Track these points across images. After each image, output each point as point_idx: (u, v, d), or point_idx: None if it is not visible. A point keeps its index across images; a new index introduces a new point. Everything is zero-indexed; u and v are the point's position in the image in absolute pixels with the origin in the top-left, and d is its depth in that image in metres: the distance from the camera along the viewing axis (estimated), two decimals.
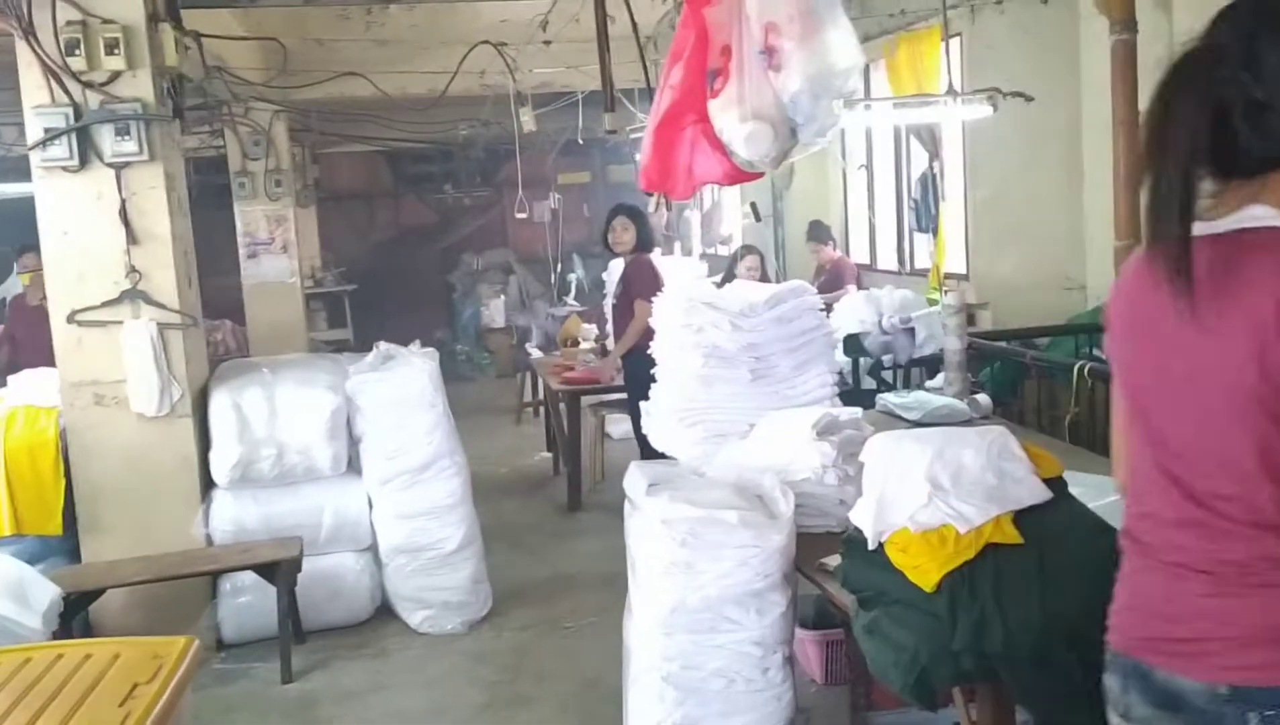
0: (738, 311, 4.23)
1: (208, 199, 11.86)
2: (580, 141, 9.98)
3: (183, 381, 4.66)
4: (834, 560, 3.04)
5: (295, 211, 14.02)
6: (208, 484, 4.78)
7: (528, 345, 9.35)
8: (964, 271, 7.70)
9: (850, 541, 2.68)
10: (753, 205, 6.86)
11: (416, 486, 4.87)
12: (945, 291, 5.29)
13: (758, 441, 3.69)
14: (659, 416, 4.34)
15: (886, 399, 4.90)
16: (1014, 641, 2.29)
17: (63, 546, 4.69)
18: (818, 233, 9.05)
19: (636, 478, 3.30)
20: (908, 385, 6.58)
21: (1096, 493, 3.14)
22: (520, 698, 4.26)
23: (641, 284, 6.72)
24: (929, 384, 5.94)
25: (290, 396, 4.79)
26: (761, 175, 3.58)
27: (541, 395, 9.33)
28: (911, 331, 6.64)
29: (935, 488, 2.53)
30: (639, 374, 6.23)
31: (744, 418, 4.14)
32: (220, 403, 4.72)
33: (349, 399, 4.88)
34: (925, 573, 2.40)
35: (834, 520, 3.40)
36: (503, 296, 12.49)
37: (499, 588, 5.22)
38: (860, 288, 8.81)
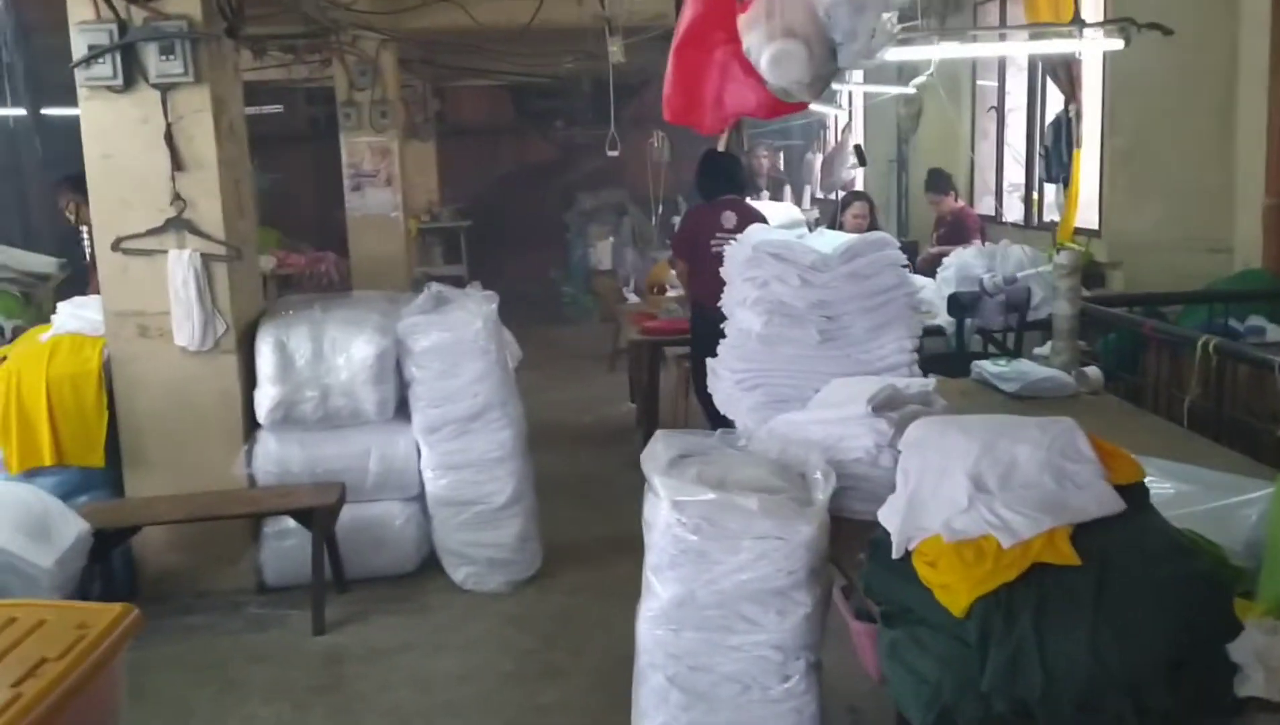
0: (808, 264, 3.80)
1: (325, 129, 11.87)
2: None
3: (227, 316, 4.47)
4: None
5: (414, 146, 14.13)
6: (252, 424, 4.60)
7: (625, 290, 8.99)
8: (1096, 227, 7.02)
9: (877, 544, 2.27)
10: (857, 148, 6.32)
11: (465, 437, 4.59)
12: (1059, 250, 4.72)
13: (812, 412, 3.28)
14: (722, 377, 3.97)
15: (983, 367, 4.42)
16: (1055, 687, 1.86)
17: (106, 479, 4.58)
18: (937, 182, 8.43)
19: (659, 450, 2.92)
20: (1019, 352, 6.01)
21: (1209, 492, 2.64)
22: (551, 669, 3.98)
23: (675, 237, 6.31)
24: (1037, 352, 5.38)
25: (337, 337, 4.56)
26: (803, 106, 3.11)
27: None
28: (1028, 292, 6.04)
29: (978, 488, 2.09)
30: (698, 330, 5.91)
31: (809, 383, 3.75)
32: (265, 341, 4.52)
33: (400, 342, 4.63)
34: (954, 594, 1.98)
35: None
36: (611, 238, 12.13)
37: (554, 544, 4.94)
38: (985, 241, 8.20)
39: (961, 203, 8.60)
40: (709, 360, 4.05)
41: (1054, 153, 7.21)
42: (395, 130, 10.09)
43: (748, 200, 6.23)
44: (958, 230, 8.22)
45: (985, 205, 8.80)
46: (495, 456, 4.62)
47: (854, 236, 3.96)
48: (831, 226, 7.25)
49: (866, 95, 11.09)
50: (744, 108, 2.89)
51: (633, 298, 8.97)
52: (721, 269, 5.61)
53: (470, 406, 4.59)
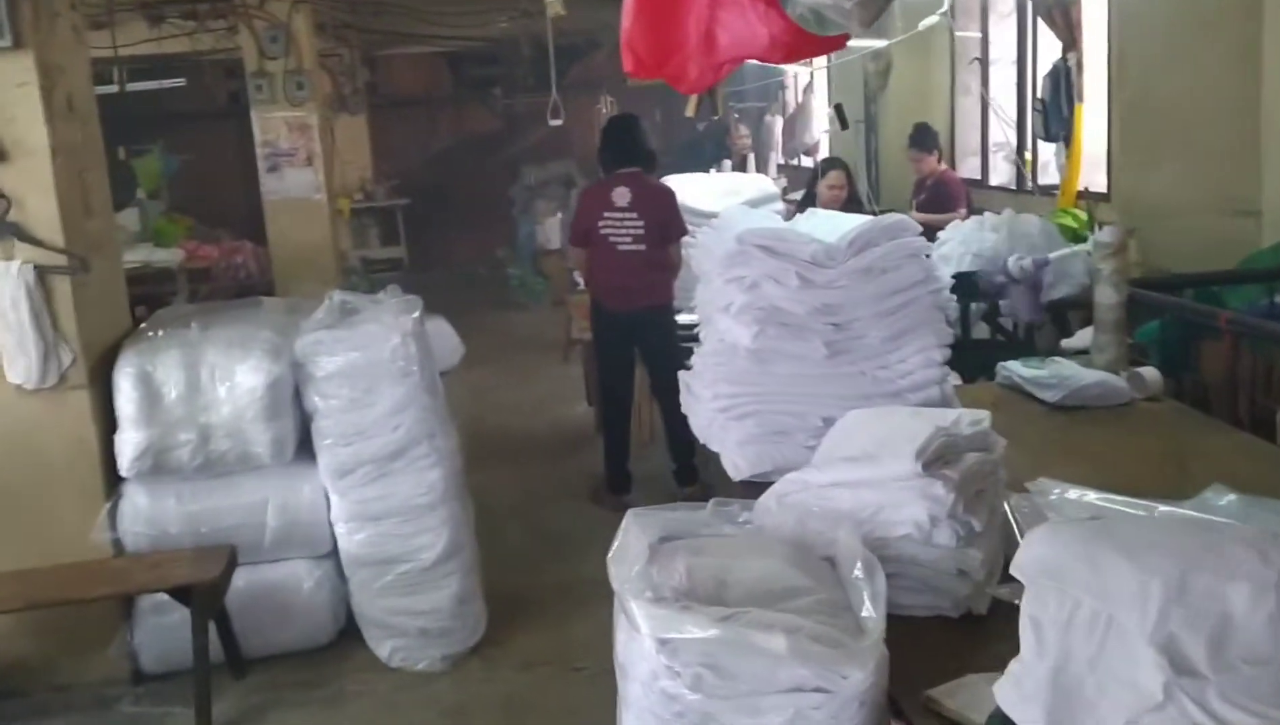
0: (808, 258, 2.99)
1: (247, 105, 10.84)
2: None
3: (74, 343, 3.55)
4: (952, 694, 1.83)
5: (344, 120, 13.08)
6: (115, 477, 3.68)
7: (576, 274, 8.11)
8: (1104, 190, 6.24)
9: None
10: (838, 107, 5.46)
11: (384, 479, 3.71)
12: (1098, 226, 3.91)
13: (834, 469, 2.43)
14: (701, 400, 3.16)
15: (1013, 370, 3.64)
16: None
17: None
18: (923, 139, 7.58)
19: (631, 544, 2.06)
20: (1031, 338, 5.22)
21: None
22: None
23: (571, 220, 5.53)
24: (1067, 343, 4.59)
25: (218, 363, 3.65)
26: (840, 43, 2.26)
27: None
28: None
29: (1177, 668, 1.26)
30: (598, 333, 4.92)
31: (815, 410, 2.99)
32: (125, 372, 3.59)
33: (299, 366, 3.73)
34: None
35: (948, 601, 2.20)
36: (560, 214, 11.22)
37: (500, 597, 4.09)
38: (970, 208, 7.42)
39: (944, 165, 7.79)
40: (682, 374, 3.25)
41: (1052, 108, 6.41)
42: (315, 103, 9.08)
43: (652, 174, 5.27)
44: (939, 196, 7.43)
45: (968, 168, 8.01)
46: (423, 502, 3.75)
47: (864, 221, 3.13)
48: (807, 200, 6.41)
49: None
50: (749, 48, 2.02)
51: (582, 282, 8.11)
52: (619, 257, 4.73)
53: (390, 442, 3.71)
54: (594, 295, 4.91)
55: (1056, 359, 3.80)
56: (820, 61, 10.62)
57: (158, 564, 3.51)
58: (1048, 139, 6.45)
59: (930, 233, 6.59)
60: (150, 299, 6.64)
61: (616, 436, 5.03)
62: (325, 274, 8.16)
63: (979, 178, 7.75)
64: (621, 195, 4.76)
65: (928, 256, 3.11)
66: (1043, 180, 7.06)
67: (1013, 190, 7.21)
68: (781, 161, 10.32)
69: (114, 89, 7.75)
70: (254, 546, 3.71)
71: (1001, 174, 7.63)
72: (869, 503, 2.24)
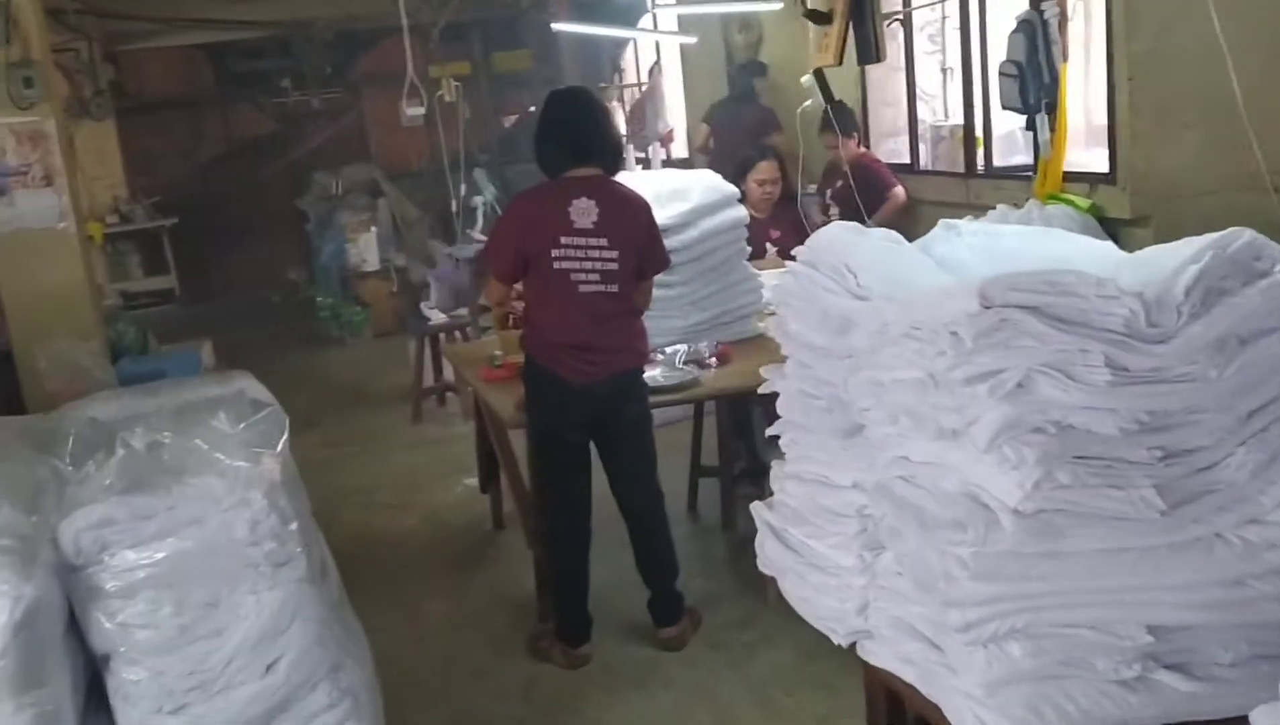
0: (1120, 327, 1.55)
1: None
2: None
3: None
4: None
5: (88, 127, 10.76)
6: None
7: (424, 306, 6.41)
8: (1106, 170, 5.07)
9: None
10: (818, 74, 4.05)
11: None
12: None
13: None
14: (849, 590, 1.66)
15: None
16: None
17: None
18: (841, 120, 6.27)
19: None
20: None
21: None
22: None
23: (487, 241, 4.00)
24: None
25: None
26: None
27: (450, 375, 6.47)
28: None
29: None
30: (538, 401, 3.29)
31: (1138, 613, 1.80)
32: None
33: (72, 572, 1.98)
34: None
35: None
36: (374, 228, 9.39)
37: None
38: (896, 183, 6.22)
39: (863, 149, 6.53)
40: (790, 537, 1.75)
41: (1029, 70, 5.18)
42: (52, 105, 6.99)
43: (622, 177, 3.64)
44: (868, 185, 6.16)
45: (886, 151, 6.77)
46: None
47: (1205, 252, 1.67)
48: None
49: (682, 20, 8.85)
50: None
51: (436, 316, 6.40)
52: (581, 301, 3.09)
53: (259, 696, 2.02)
54: (538, 358, 3.27)
55: None
56: (666, 38, 9.22)
57: None
58: (1025, 109, 5.21)
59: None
60: None
61: (573, 565, 3.41)
62: (82, 323, 6.10)
63: (908, 162, 6.51)
64: (584, 211, 3.15)
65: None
66: (999, 161, 5.88)
67: (961, 175, 5.99)
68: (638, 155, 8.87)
69: None
70: None
71: (941, 156, 6.41)
72: None
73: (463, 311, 6.60)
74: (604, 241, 3.18)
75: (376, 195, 10.66)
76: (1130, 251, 2.02)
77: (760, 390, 2.29)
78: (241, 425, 2.14)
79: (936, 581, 1.62)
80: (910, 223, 4.78)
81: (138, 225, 11.49)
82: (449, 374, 6.51)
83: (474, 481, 5.07)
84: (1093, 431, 1.55)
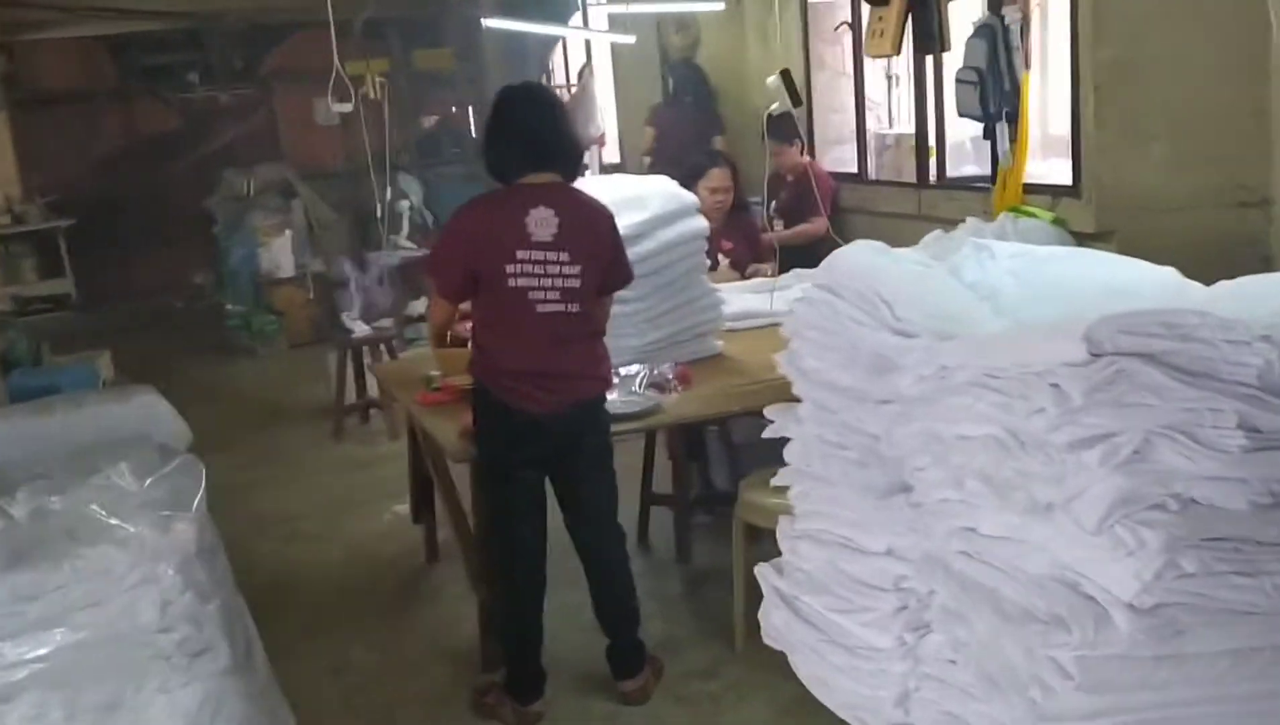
0: (1253, 380, 1.21)
1: None
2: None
3: None
4: None
5: None
6: None
7: (345, 317, 5.99)
8: (1069, 182, 4.88)
9: None
10: (784, 74, 3.77)
11: None
12: None
13: None
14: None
15: None
16: None
17: None
18: (781, 128, 6.05)
19: None
20: None
21: None
22: None
23: (431, 253, 3.55)
24: None
25: None
26: None
27: (374, 391, 6.06)
28: None
29: None
30: (491, 436, 2.95)
31: None
32: None
33: None
34: None
35: None
36: (288, 231, 8.89)
37: None
38: (835, 211, 6.00)
39: (808, 158, 6.29)
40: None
41: (990, 77, 4.98)
42: None
43: (584, 183, 3.32)
44: (804, 198, 5.94)
45: (835, 160, 6.55)
46: None
47: None
48: None
49: (613, 19, 8.54)
50: None
51: (360, 329, 5.98)
52: (540, 322, 2.76)
53: None
54: (489, 387, 2.91)
55: None
56: (601, 36, 8.89)
57: None
58: (984, 118, 5.00)
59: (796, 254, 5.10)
60: None
61: (526, 614, 3.06)
62: None
63: (855, 172, 6.29)
64: (543, 222, 2.80)
65: None
66: (952, 171, 5.69)
67: (914, 185, 5.78)
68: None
69: None
70: None
71: (887, 166, 6.20)
72: None
73: (387, 322, 6.19)
74: (565, 256, 2.85)
75: (290, 196, 10.14)
76: None
77: (766, 434, 1.98)
78: (148, 481, 1.76)
79: (1025, 687, 1.32)
80: (863, 235, 4.53)
81: (31, 226, 10.84)
82: (373, 389, 6.11)
83: (404, 508, 4.70)
84: (1219, 507, 1.27)
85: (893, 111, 6.66)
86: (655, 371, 3.48)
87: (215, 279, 10.76)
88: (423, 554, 4.36)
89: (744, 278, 4.94)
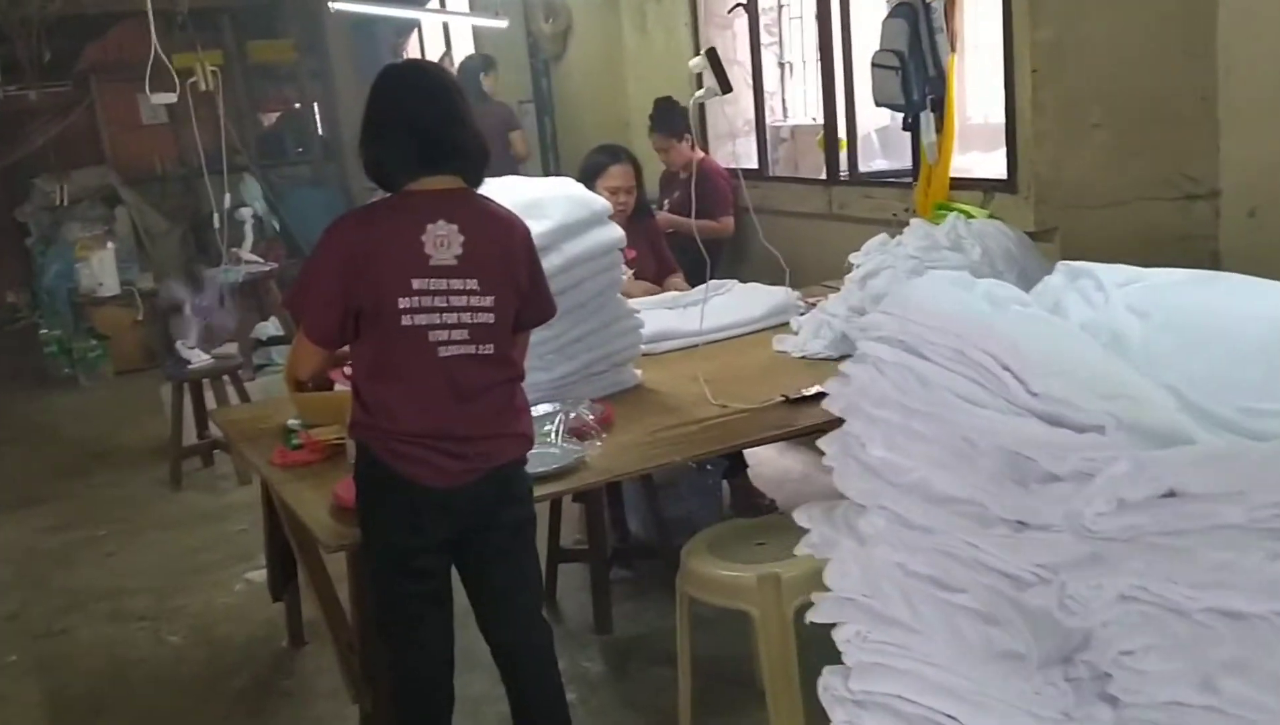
0: None
1: None
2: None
3: None
4: None
5: None
6: None
7: (181, 345, 5.14)
8: (1003, 175, 4.44)
9: None
10: (710, 53, 3.20)
11: None
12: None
13: None
14: None
15: None
16: None
17: None
18: (668, 120, 5.55)
19: None
20: None
21: None
22: None
23: (296, 281, 2.74)
24: None
25: None
26: None
27: (220, 429, 5.22)
28: None
29: None
30: (375, 510, 2.27)
31: None
32: None
33: None
34: None
35: None
36: (111, 244, 7.87)
37: None
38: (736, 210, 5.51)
39: (699, 153, 5.74)
40: None
41: (912, 62, 4.50)
42: None
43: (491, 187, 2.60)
44: (704, 195, 5.37)
45: (728, 156, 6.01)
46: None
47: None
48: None
49: (474, 2, 7.84)
50: None
51: (198, 359, 5.15)
52: (442, 368, 2.10)
53: None
54: (379, 456, 2.21)
55: None
56: (462, 20, 8.18)
57: None
58: (906, 106, 4.52)
59: (704, 249, 4.62)
60: None
61: None
62: None
63: (756, 167, 5.76)
64: (444, 240, 2.12)
65: None
66: (865, 166, 5.22)
67: (823, 182, 5.27)
68: None
69: None
70: None
71: (784, 161, 5.69)
72: None
73: (231, 349, 5.37)
74: (473, 283, 2.19)
75: (114, 204, 9.10)
76: None
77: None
78: None
79: None
80: (766, 237, 4.01)
81: None
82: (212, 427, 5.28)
83: (259, 575, 3.96)
84: None
85: (786, 102, 6.18)
86: (573, 414, 2.85)
87: (29, 298, 9.63)
88: (285, 637, 3.62)
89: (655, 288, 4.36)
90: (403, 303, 2.15)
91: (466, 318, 2.20)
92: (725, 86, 3.24)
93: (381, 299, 2.15)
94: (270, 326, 5.93)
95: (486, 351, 2.24)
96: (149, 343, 7.23)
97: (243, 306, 5.60)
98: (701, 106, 6.11)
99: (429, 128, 2.23)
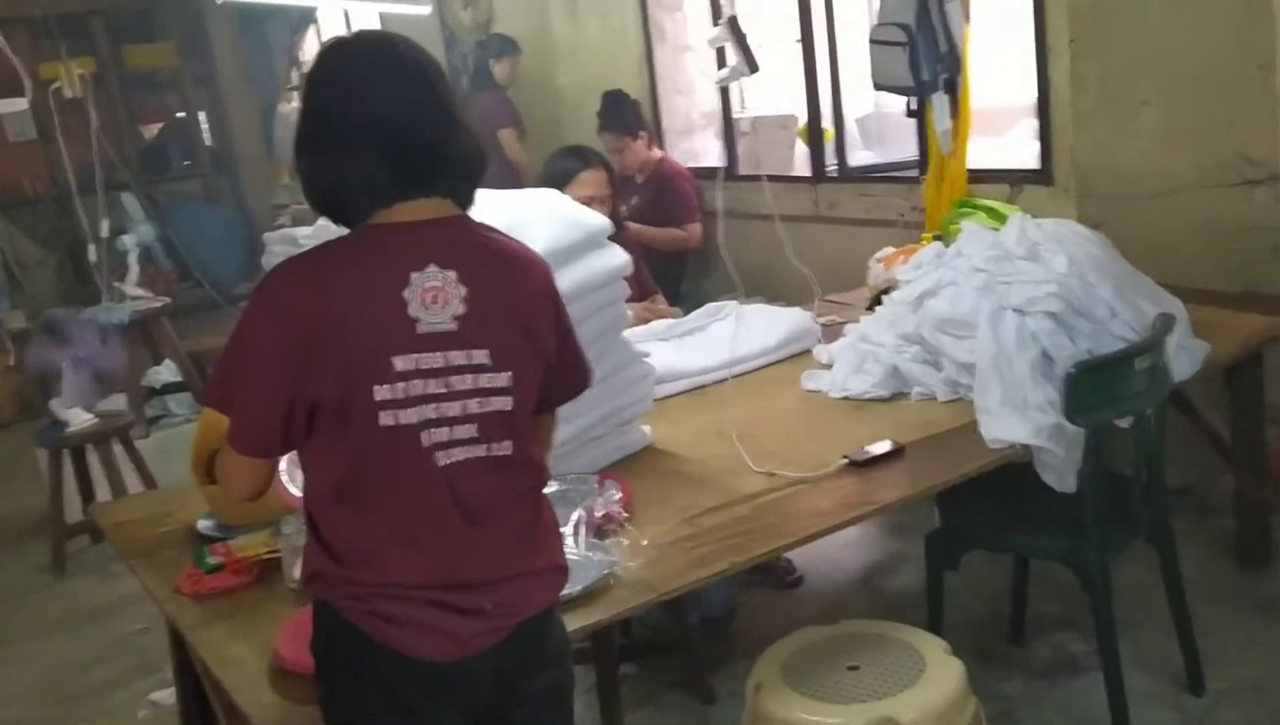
0: None
1: None
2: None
3: None
4: None
5: None
6: None
7: (56, 405, 4.26)
8: (1035, 165, 3.84)
9: None
10: (731, 21, 2.56)
11: None
12: None
13: None
14: None
15: None
16: None
17: None
18: (620, 118, 4.89)
19: None
20: None
21: None
22: None
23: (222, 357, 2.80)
24: None
25: None
26: None
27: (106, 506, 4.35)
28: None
29: None
30: (340, 680, 1.42)
31: None
32: None
33: None
34: None
35: None
36: None
37: None
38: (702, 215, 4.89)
39: (658, 152, 5.07)
40: None
41: (921, 37, 3.87)
42: None
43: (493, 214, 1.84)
44: (662, 202, 4.79)
45: (685, 153, 5.34)
46: None
47: None
48: None
49: None
50: None
51: (78, 419, 4.29)
52: (445, 481, 1.26)
53: None
54: (350, 616, 1.44)
55: None
56: (369, 10, 7.34)
57: None
58: (915, 89, 3.90)
59: (664, 260, 3.99)
60: None
61: None
62: None
63: (722, 165, 5.08)
64: (435, 293, 1.39)
65: None
66: (855, 160, 4.59)
67: (809, 180, 4.62)
68: None
69: None
70: None
71: (747, 157, 5.02)
72: None
73: (119, 403, 4.51)
74: (482, 355, 1.46)
75: None
76: None
77: None
78: None
79: None
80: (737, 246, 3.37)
81: None
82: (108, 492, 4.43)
83: (166, 695, 3.15)
84: None
85: (743, 91, 5.53)
86: (595, 508, 2.13)
87: None
88: None
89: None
90: (380, 393, 1.40)
91: (474, 406, 1.45)
92: (752, 65, 2.54)
93: (349, 389, 1.40)
94: (164, 372, 5.07)
95: (503, 452, 1.49)
96: (23, 392, 6.28)
97: (131, 350, 4.74)
98: (655, 98, 5.44)
99: (404, 129, 1.47)
